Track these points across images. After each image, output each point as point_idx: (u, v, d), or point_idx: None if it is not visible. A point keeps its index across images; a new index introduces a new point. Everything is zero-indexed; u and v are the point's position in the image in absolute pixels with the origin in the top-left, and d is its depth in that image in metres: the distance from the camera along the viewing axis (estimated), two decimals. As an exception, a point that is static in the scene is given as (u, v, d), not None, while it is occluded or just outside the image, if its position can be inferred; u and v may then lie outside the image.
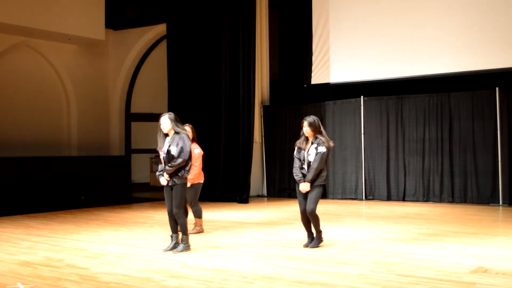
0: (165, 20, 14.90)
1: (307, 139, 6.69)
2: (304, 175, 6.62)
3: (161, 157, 6.55)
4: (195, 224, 8.10)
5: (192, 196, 7.89)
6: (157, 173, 6.65)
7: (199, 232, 8.02)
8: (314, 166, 6.52)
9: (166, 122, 6.47)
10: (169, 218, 6.62)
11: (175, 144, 6.41)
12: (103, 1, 15.61)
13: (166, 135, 6.54)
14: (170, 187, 6.50)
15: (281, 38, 14.83)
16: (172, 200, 6.51)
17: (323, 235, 6.83)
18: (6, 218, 9.95)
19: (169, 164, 6.40)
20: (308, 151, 6.61)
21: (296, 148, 6.79)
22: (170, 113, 6.60)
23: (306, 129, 6.62)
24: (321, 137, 6.62)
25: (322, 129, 6.67)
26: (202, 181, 8.08)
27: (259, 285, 4.94)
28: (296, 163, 6.73)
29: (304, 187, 6.58)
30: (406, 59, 12.49)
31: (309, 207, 6.56)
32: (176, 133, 6.47)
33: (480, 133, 11.57)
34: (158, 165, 6.75)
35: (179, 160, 6.37)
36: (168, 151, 6.43)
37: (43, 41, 15.32)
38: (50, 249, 6.86)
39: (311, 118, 6.67)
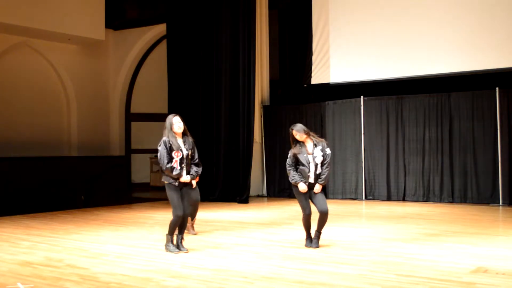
0: (165, 20, 14.88)
1: (302, 143, 6.67)
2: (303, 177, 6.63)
3: (176, 156, 6.41)
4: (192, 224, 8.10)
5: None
6: (179, 171, 6.45)
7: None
8: (327, 169, 6.59)
9: (181, 122, 6.55)
10: (180, 220, 6.49)
11: (190, 147, 6.57)
12: (103, 1, 15.60)
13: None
14: (180, 188, 6.51)
15: (281, 38, 14.83)
16: (185, 201, 6.54)
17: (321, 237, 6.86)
18: (6, 218, 9.96)
19: (196, 171, 6.60)
20: (313, 153, 6.60)
21: (291, 156, 6.68)
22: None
23: (299, 135, 6.59)
24: (320, 139, 6.68)
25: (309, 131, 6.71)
26: None
27: (259, 285, 4.95)
28: (292, 168, 6.66)
29: (317, 188, 6.59)
30: (406, 59, 12.48)
31: (325, 207, 6.60)
32: (186, 135, 6.60)
33: (480, 133, 11.56)
34: (165, 164, 6.41)
35: (201, 169, 6.70)
36: (187, 154, 6.52)
37: (43, 41, 15.31)
38: (50, 249, 6.87)
39: (298, 126, 6.63)
